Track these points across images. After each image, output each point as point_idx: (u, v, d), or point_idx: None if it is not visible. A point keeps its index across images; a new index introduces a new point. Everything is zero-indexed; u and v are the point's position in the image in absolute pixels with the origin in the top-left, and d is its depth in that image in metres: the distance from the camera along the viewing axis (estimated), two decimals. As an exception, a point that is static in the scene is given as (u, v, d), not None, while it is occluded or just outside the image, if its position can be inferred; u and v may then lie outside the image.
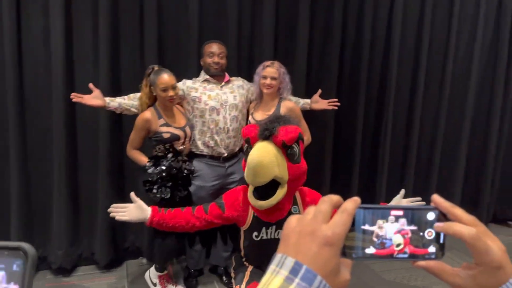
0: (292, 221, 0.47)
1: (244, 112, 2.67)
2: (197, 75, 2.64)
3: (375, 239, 0.48)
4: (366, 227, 0.48)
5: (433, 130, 3.60)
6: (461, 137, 3.66)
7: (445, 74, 3.50)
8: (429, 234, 0.49)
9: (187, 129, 2.47)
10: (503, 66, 3.66)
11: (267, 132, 1.61)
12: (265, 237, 1.79)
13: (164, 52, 2.83)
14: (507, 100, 3.76)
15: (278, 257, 0.44)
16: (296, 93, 2.81)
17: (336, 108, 2.79)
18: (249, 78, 2.77)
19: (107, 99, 2.42)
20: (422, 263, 0.49)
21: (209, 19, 2.88)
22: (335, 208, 0.47)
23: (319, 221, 0.44)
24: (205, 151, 2.57)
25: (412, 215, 0.49)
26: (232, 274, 1.99)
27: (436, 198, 0.51)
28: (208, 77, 2.58)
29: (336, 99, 2.78)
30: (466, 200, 3.83)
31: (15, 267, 0.39)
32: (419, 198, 2.00)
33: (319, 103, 2.78)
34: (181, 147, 2.43)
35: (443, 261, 0.50)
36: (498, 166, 3.88)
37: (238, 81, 2.71)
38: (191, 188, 2.53)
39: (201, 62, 2.64)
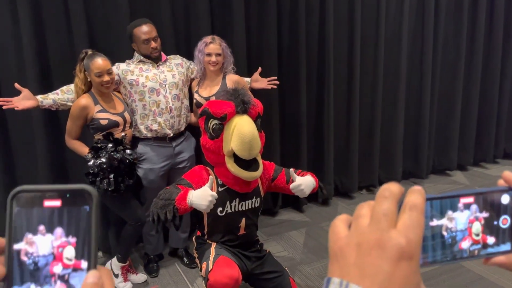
0: (339, 229, 0.34)
1: (185, 90, 2.62)
2: (131, 57, 2.53)
3: (444, 233, 0.39)
4: (434, 222, 0.38)
5: (372, 93, 3.74)
6: (398, 97, 3.85)
7: (378, 37, 3.63)
8: (504, 222, 0.41)
9: (126, 115, 2.38)
10: (430, 26, 3.85)
11: (247, 105, 1.70)
12: (229, 210, 1.83)
13: (94, 35, 2.66)
14: (437, 59, 3.98)
15: (335, 283, 0.31)
16: (238, 69, 2.77)
17: (275, 87, 2.77)
18: (187, 55, 2.70)
19: (39, 97, 2.24)
20: (499, 259, 0.40)
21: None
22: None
23: (384, 227, 0.32)
24: (149, 135, 2.50)
25: (483, 200, 0.40)
26: (195, 254, 2.00)
27: (508, 175, 0.40)
28: (142, 57, 2.48)
29: (275, 77, 2.76)
30: (407, 155, 4.08)
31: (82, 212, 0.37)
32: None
33: (259, 82, 2.74)
34: (122, 134, 2.33)
35: None
36: (433, 121, 4.15)
37: (176, 59, 2.63)
38: (140, 172, 2.47)
39: (133, 47, 2.51)
